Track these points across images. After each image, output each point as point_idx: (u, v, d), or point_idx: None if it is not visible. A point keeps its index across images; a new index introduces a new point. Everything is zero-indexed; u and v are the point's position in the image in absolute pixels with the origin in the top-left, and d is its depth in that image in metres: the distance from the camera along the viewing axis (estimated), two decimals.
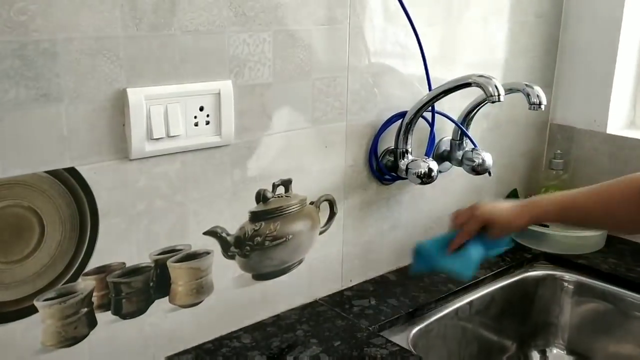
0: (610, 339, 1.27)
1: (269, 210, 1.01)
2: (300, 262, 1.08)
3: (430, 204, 1.28)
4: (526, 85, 1.10)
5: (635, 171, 1.43)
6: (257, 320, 1.04)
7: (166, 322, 0.93)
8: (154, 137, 0.84)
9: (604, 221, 1.02)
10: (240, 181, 0.96)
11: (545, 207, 1.01)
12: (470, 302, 1.19)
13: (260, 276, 1.03)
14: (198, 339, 0.97)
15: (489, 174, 1.23)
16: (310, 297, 1.12)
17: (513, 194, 1.45)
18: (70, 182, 0.79)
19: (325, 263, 1.12)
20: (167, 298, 0.92)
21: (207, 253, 0.95)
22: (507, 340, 1.31)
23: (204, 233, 0.94)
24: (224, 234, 0.96)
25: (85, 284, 0.83)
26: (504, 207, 1.03)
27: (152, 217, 0.88)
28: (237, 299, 1.01)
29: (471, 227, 1.01)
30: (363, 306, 1.11)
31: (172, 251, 0.91)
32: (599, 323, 1.27)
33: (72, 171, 0.79)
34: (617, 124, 1.43)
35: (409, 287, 1.18)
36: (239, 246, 0.98)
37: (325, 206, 1.09)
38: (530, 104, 1.07)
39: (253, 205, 0.99)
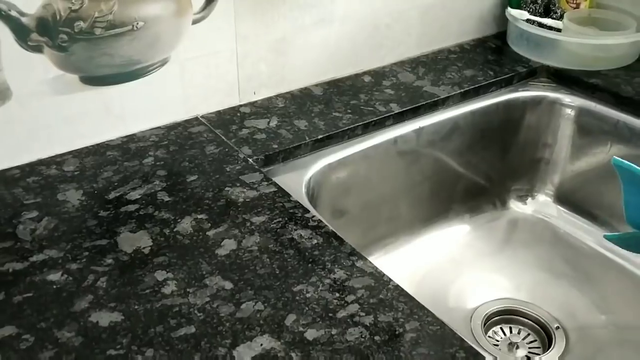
0: (615, 189, 0.93)
1: None
2: (163, 63, 0.76)
3: None
4: None
5: None
6: (98, 141, 0.76)
7: None
8: None
9: None
10: None
11: None
12: (420, 130, 0.86)
13: (93, 80, 0.72)
14: (1, 162, 0.70)
15: None
16: (186, 114, 0.81)
17: None
18: None
19: (210, 67, 0.80)
20: None
21: None
22: (478, 180, 0.99)
23: None
24: (12, 13, 0.64)
25: None
26: None
27: None
28: (58, 111, 0.71)
29: None
30: (257, 128, 0.80)
31: None
32: (604, 165, 0.93)
33: None
34: None
35: (335, 104, 0.85)
36: (46, 33, 0.67)
37: None
38: None
39: None
